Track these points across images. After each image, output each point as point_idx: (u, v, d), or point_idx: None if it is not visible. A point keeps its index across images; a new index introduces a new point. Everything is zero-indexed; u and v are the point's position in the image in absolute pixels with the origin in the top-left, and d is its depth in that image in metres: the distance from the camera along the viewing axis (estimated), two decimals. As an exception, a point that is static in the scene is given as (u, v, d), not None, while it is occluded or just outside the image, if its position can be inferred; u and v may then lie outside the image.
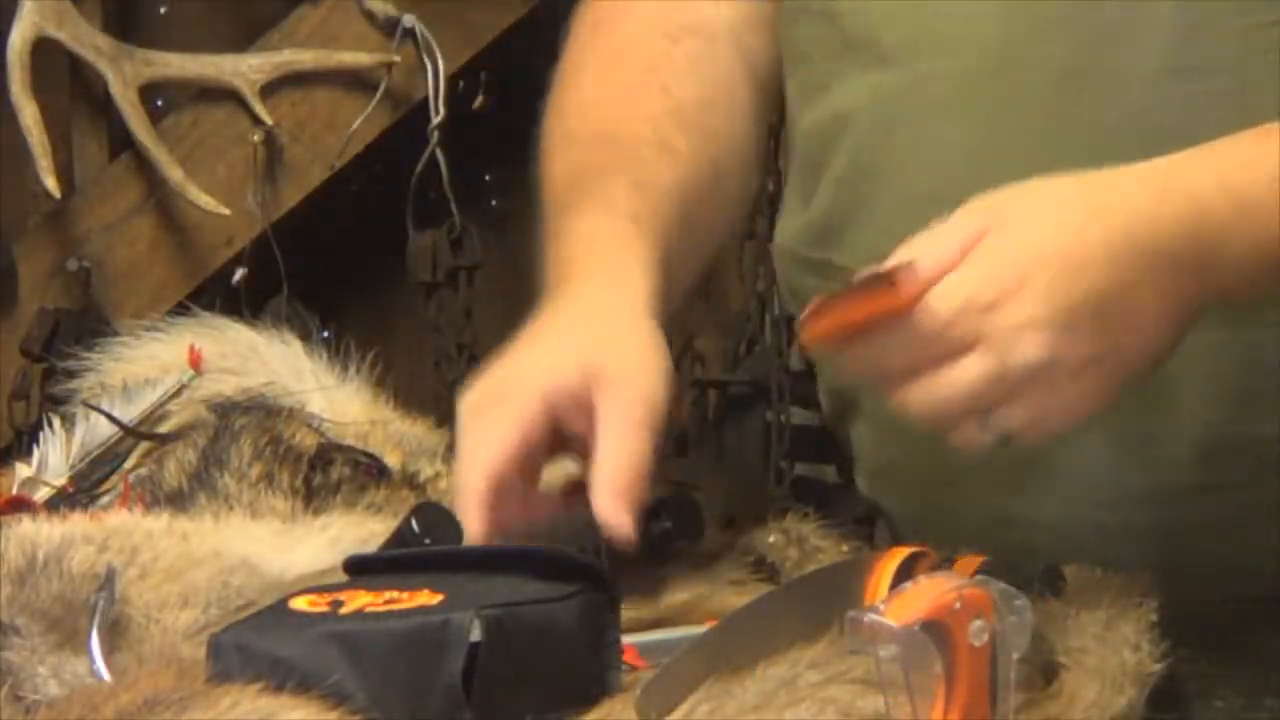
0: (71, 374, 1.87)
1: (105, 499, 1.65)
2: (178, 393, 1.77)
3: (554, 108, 1.72)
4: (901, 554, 1.30)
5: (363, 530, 1.52)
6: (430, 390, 3.14)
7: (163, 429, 1.73)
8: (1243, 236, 1.36)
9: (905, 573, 1.27)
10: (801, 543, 1.60)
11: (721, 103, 1.70)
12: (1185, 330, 1.37)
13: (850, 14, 1.56)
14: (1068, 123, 1.51)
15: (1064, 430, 1.36)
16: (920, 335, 1.29)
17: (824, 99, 1.65)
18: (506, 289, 3.54)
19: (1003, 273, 1.30)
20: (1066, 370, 1.31)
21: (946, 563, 1.30)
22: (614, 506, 1.37)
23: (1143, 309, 1.33)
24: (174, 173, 2.86)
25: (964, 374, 1.29)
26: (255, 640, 1.14)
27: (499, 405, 1.43)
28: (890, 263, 1.30)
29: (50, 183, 2.75)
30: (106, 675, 1.22)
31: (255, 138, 2.98)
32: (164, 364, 1.81)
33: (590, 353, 1.44)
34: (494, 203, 3.45)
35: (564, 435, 1.44)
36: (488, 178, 3.42)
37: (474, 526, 1.39)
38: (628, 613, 1.28)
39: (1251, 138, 1.39)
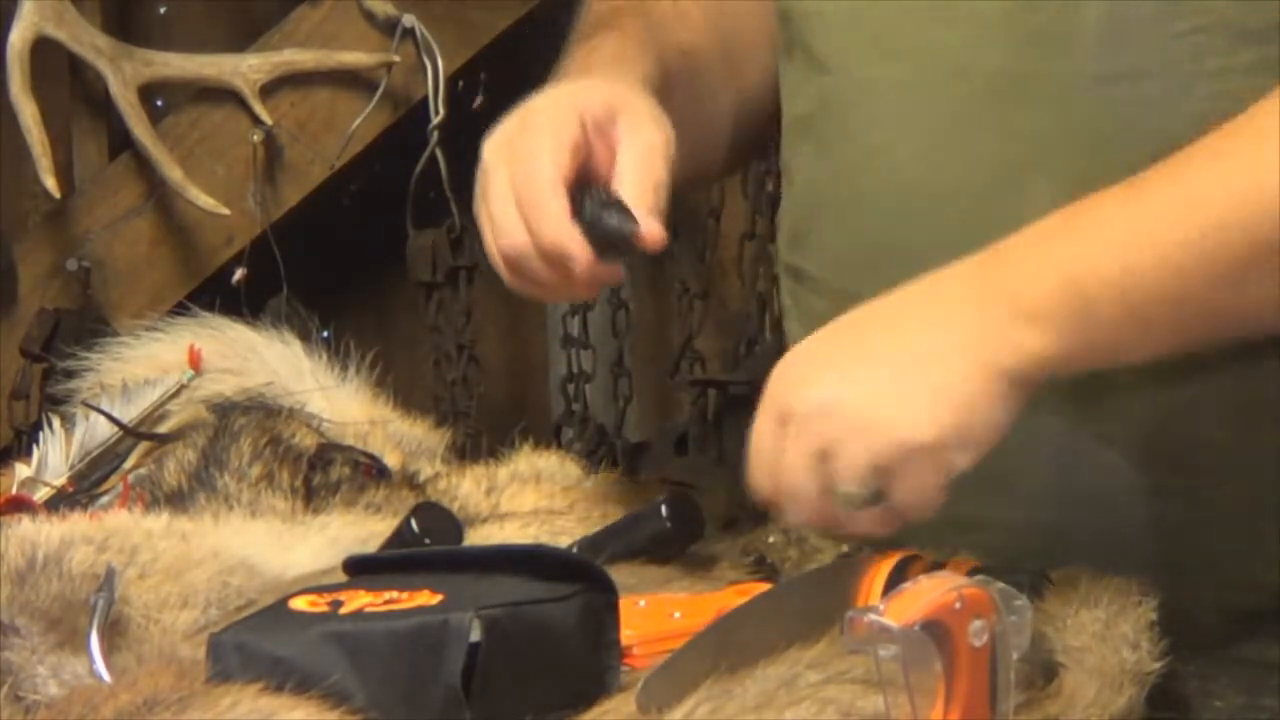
0: (71, 374, 1.87)
1: (105, 499, 1.65)
2: (177, 393, 1.77)
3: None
4: (895, 556, 1.30)
5: (363, 530, 1.52)
6: (430, 390, 3.14)
7: (163, 429, 1.73)
8: (1046, 259, 1.32)
9: (899, 575, 1.27)
10: (801, 543, 1.60)
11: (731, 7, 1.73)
12: (1021, 390, 1.33)
13: (796, 16, 1.55)
14: (1009, 131, 1.49)
15: (924, 510, 1.35)
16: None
17: (790, 102, 1.67)
18: (506, 289, 3.54)
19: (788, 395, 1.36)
20: (857, 400, 1.32)
21: (937, 565, 1.30)
22: (645, 219, 1.45)
23: (942, 348, 1.32)
24: (174, 173, 2.85)
25: (788, 458, 1.35)
26: (255, 640, 1.14)
27: (545, 121, 1.49)
28: None
29: (50, 183, 2.74)
30: (106, 675, 1.22)
31: (255, 138, 2.97)
32: (164, 364, 1.81)
33: (611, 92, 1.51)
34: (494, 203, 3.44)
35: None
36: (488, 178, 3.41)
37: (556, 209, 1.45)
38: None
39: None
